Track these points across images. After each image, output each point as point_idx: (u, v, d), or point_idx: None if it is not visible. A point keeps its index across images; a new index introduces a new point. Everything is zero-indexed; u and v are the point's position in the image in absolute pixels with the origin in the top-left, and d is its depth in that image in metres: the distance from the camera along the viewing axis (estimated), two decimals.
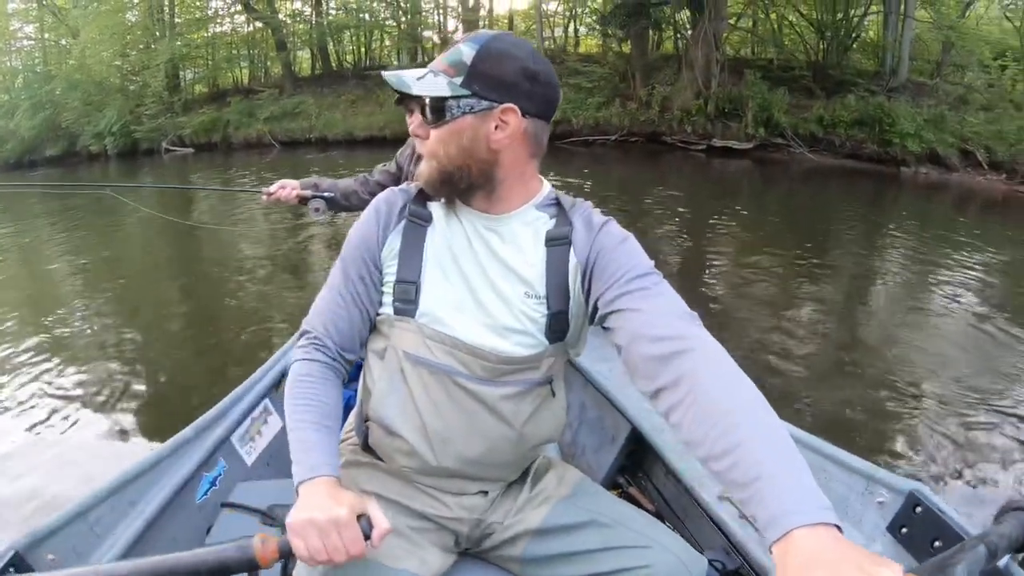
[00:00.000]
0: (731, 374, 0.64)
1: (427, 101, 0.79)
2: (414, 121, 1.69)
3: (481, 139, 0.79)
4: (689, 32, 11.38)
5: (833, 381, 3.44)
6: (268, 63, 15.54)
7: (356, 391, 0.98)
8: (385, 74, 0.83)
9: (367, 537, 0.71)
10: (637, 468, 1.56)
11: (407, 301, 0.83)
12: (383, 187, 1.93)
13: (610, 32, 11.56)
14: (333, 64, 14.64)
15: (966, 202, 11.81)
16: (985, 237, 7.97)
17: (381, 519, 0.72)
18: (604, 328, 0.79)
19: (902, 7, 12.96)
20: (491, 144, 0.79)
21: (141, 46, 16.20)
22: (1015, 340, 4.12)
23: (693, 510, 1.33)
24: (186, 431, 1.37)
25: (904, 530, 0.98)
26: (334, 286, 0.86)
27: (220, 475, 1.40)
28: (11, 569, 0.91)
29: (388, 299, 0.85)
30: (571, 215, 0.85)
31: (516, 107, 0.78)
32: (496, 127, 0.78)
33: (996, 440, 2.87)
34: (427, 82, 0.79)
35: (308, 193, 1.98)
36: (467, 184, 0.82)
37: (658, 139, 11.60)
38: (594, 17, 12.42)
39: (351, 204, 1.97)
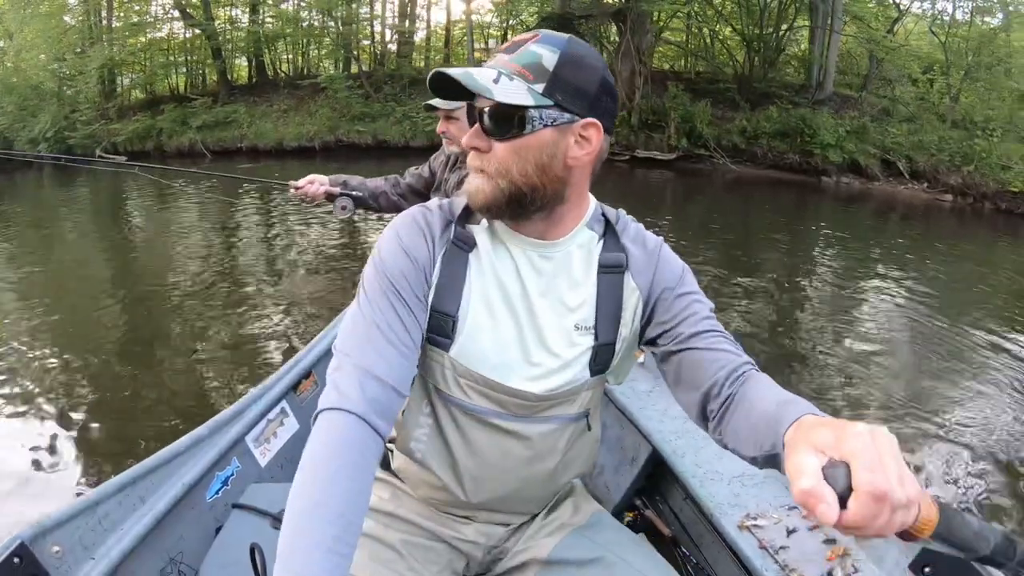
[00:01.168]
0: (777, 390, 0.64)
1: (497, 109, 0.67)
2: (458, 129, 1.61)
3: (560, 156, 0.70)
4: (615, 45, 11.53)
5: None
6: (206, 70, 15.35)
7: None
8: (454, 72, 0.67)
9: None
10: (655, 491, 1.52)
11: (442, 334, 0.74)
12: (413, 191, 1.89)
13: None
14: (269, 73, 14.55)
15: (888, 211, 12.15)
16: (906, 245, 8.28)
17: None
18: (654, 354, 0.78)
19: (829, 22, 13.33)
20: (568, 161, 0.71)
21: (78, 50, 15.88)
22: (936, 344, 4.28)
23: (710, 537, 1.29)
24: (201, 429, 1.34)
25: (927, 570, 0.95)
26: (372, 316, 0.70)
27: (232, 475, 1.38)
28: (16, 559, 0.89)
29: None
30: (621, 235, 0.79)
31: (599, 123, 0.70)
32: (575, 142, 0.70)
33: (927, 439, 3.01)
34: (505, 87, 0.67)
35: (336, 190, 1.89)
36: (537, 206, 0.72)
37: None
38: (523, 28, 12.54)
39: (380, 205, 1.91)
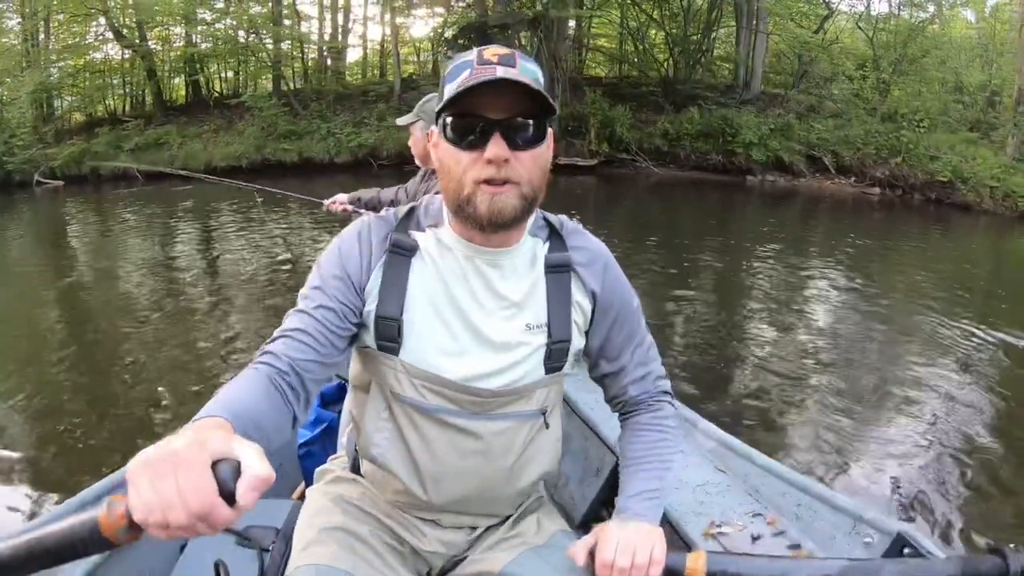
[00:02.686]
0: (655, 432, 0.87)
1: (524, 118, 0.70)
2: (411, 141, 1.76)
3: (548, 162, 0.76)
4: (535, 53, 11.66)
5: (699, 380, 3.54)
6: (145, 92, 15.37)
7: (338, 413, 0.93)
8: (514, 75, 0.68)
9: (228, 490, 0.45)
10: None
11: (390, 339, 0.77)
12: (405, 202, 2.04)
13: (449, 55, 11.80)
14: (203, 92, 14.59)
15: (815, 206, 12.29)
16: (836, 239, 8.35)
17: (254, 463, 0.46)
18: (585, 360, 0.87)
19: (753, 23, 13.53)
20: (547, 168, 0.75)
21: (17, 74, 15.83)
22: (874, 335, 4.40)
23: (676, 545, 1.28)
24: None
25: None
26: (301, 308, 0.76)
27: None
28: None
29: (370, 334, 0.78)
30: (567, 239, 0.82)
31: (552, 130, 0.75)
32: (548, 148, 0.75)
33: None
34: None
35: (350, 208, 2.11)
36: (530, 214, 0.76)
37: None
38: (443, 40, 12.68)
39: None
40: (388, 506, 0.87)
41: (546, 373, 0.81)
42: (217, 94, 14.43)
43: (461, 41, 11.15)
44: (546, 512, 0.94)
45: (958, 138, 14.17)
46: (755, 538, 1.16)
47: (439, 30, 13.30)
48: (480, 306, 0.78)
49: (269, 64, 13.08)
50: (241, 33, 13.22)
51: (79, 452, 2.79)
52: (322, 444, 1.52)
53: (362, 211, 2.07)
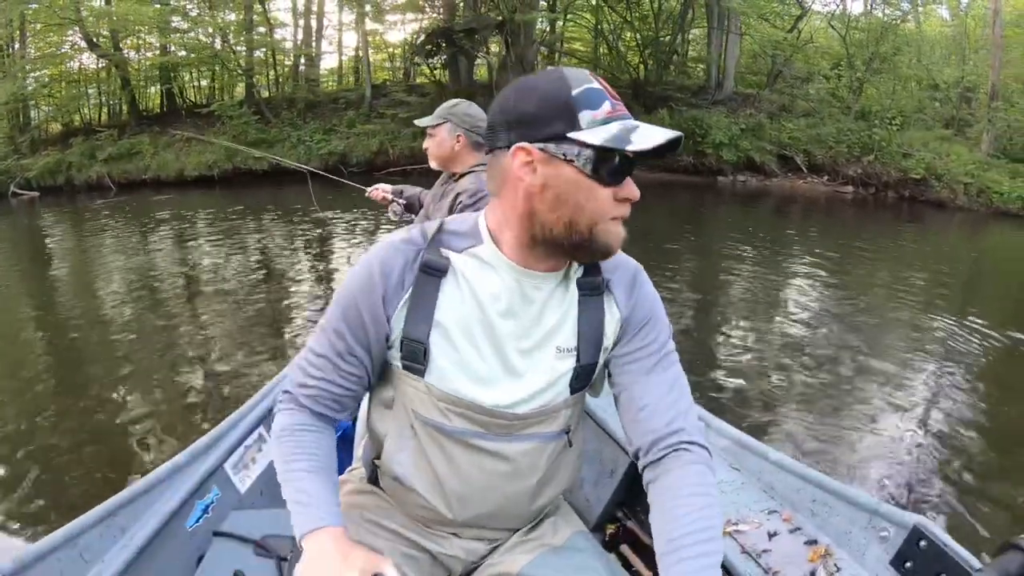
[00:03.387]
0: (700, 497, 0.73)
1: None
2: (433, 144, 1.79)
3: None
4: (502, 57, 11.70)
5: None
6: (120, 101, 15.37)
7: (352, 419, 0.94)
8: (666, 130, 0.68)
9: None
10: (636, 502, 1.51)
11: (416, 360, 0.76)
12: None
13: (417, 61, 11.84)
14: (178, 101, 14.60)
15: (788, 206, 12.29)
16: (809, 238, 8.40)
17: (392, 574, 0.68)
18: (609, 375, 0.82)
19: (725, 24, 13.56)
20: None
21: None
22: (851, 334, 4.41)
23: None
24: (179, 457, 1.33)
25: (908, 564, 0.96)
26: (326, 345, 0.77)
27: (213, 502, 1.35)
28: None
29: (396, 353, 0.77)
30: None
31: None
32: None
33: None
34: None
35: (390, 196, 2.15)
36: None
37: None
38: (407, 46, 12.71)
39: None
40: (406, 518, 0.87)
41: (571, 394, 0.80)
42: (191, 103, 14.44)
43: (429, 47, 11.18)
44: (563, 514, 0.94)
45: (932, 135, 14.22)
46: (771, 535, 1.16)
47: (416, 35, 13.33)
48: (515, 329, 0.76)
49: (241, 73, 13.09)
50: (217, 41, 13.22)
51: (54, 472, 2.78)
52: (337, 454, 1.56)
53: (399, 200, 2.13)
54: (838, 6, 15.07)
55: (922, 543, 0.95)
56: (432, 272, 0.74)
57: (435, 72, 12.54)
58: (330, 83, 15.14)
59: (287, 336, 4.33)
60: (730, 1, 12.27)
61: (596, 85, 0.68)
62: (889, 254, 7.85)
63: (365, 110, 12.15)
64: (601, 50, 14.46)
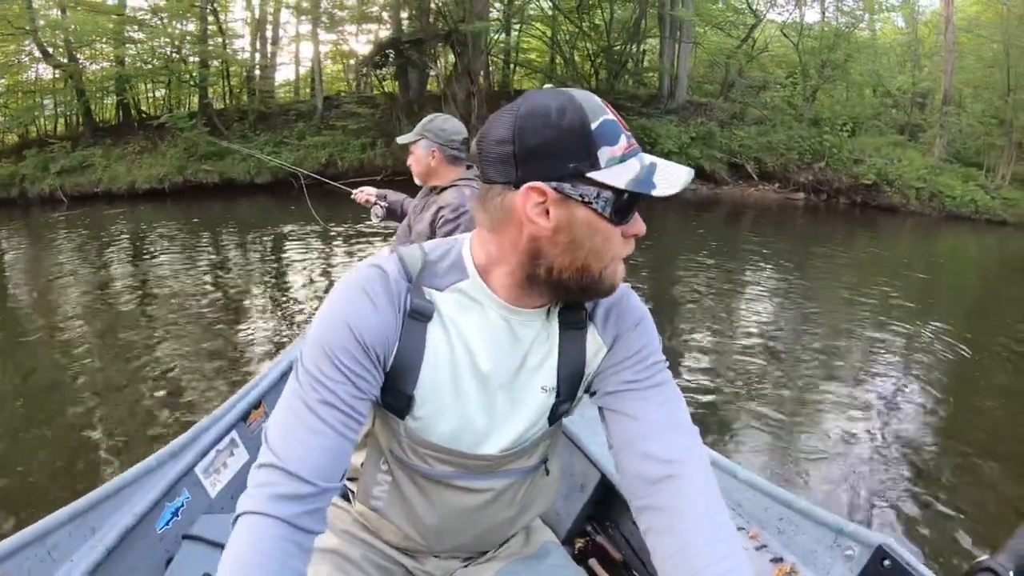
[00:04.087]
0: (712, 516, 0.64)
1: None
2: (412, 160, 1.84)
3: None
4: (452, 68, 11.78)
5: None
6: (77, 112, 15.28)
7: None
8: (677, 167, 0.63)
9: None
10: (605, 517, 1.52)
11: (398, 403, 0.70)
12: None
13: (365, 72, 11.90)
14: (132, 113, 14.54)
15: (738, 213, 12.44)
16: (762, 247, 8.45)
17: None
18: (592, 400, 0.77)
19: (677, 34, 13.74)
20: None
21: None
22: (807, 341, 4.46)
23: None
24: (149, 459, 1.31)
25: None
26: (304, 399, 0.64)
27: (183, 506, 1.34)
28: None
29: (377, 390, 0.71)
30: None
31: None
32: None
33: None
34: None
35: (374, 199, 2.17)
36: None
37: None
38: (356, 57, 12.75)
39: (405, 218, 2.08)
40: (378, 539, 0.87)
41: (550, 425, 0.77)
42: (145, 114, 14.39)
43: (377, 58, 11.24)
44: (535, 526, 0.94)
45: (885, 140, 14.48)
46: None
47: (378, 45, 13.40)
48: (502, 372, 0.71)
49: (194, 84, 13.07)
50: (170, 51, 13.20)
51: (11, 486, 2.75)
52: None
53: (382, 204, 2.16)
54: (791, 14, 15.28)
55: (886, 562, 0.96)
56: (419, 317, 0.68)
57: (385, 84, 12.59)
58: (286, 95, 15.14)
59: (246, 349, 4.33)
60: (678, 11, 12.44)
61: (611, 116, 0.61)
62: (841, 260, 7.96)
63: (316, 122, 12.17)
64: (557, 60, 14.58)
